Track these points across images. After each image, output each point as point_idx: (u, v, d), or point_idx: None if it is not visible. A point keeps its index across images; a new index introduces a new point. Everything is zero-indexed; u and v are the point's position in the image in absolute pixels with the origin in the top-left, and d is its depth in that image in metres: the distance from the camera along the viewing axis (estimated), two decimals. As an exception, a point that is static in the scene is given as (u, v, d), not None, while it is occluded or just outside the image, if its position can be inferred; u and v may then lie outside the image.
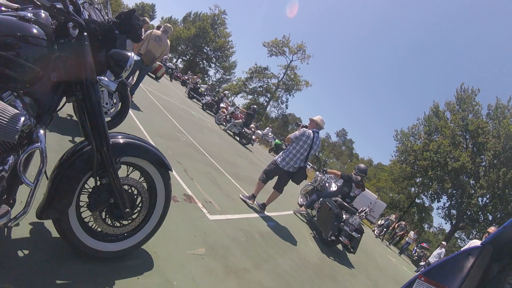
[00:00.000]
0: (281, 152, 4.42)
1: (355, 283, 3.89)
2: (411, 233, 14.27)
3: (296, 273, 2.90)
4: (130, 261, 1.62)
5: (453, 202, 21.46)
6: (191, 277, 1.82)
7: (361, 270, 4.77)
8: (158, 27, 6.83)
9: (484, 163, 20.13)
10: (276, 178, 4.41)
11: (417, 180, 23.14)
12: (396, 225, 14.30)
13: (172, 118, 6.59)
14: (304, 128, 4.35)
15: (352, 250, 4.57)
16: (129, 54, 1.49)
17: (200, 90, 16.95)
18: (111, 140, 1.34)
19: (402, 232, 14.31)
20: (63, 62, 1.20)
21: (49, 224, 1.49)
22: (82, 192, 1.39)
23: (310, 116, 4.52)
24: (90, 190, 1.40)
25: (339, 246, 4.97)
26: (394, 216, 15.35)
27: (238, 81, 41.98)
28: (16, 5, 1.30)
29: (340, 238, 4.50)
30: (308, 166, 5.39)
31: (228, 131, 12.00)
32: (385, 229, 14.05)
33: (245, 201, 4.13)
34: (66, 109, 3.27)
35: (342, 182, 5.52)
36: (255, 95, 41.24)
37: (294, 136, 4.27)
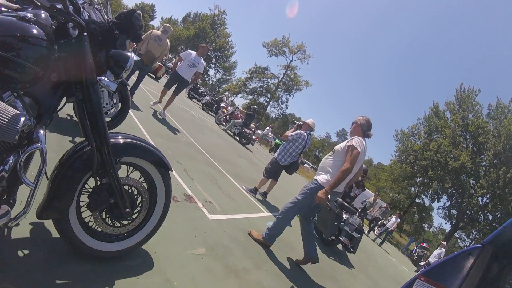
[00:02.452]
0: (278, 149, 5.12)
1: (355, 283, 3.89)
2: (392, 218, 12.74)
3: (296, 273, 2.90)
4: (130, 261, 1.62)
5: (453, 202, 21.48)
6: (191, 277, 1.82)
7: (361, 270, 4.77)
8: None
9: (484, 163, 20.14)
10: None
11: (417, 180, 23.14)
12: (376, 209, 12.53)
13: (172, 118, 6.59)
14: (300, 131, 5.05)
15: (352, 250, 4.58)
16: (129, 54, 1.50)
17: (200, 91, 16.97)
18: (111, 140, 1.34)
19: (383, 218, 12.36)
20: (63, 63, 1.20)
21: (49, 224, 1.49)
22: (82, 192, 1.39)
23: (309, 117, 5.16)
24: (90, 190, 1.40)
25: (339, 246, 4.97)
26: (372, 197, 12.36)
27: (238, 81, 41.99)
28: (16, 6, 1.31)
29: (340, 238, 4.51)
30: (307, 164, 6.46)
31: (228, 131, 12.00)
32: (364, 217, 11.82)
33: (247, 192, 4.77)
34: (66, 109, 3.27)
35: (342, 182, 5.53)
36: (255, 95, 41.26)
37: (291, 137, 4.99)
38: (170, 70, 18.35)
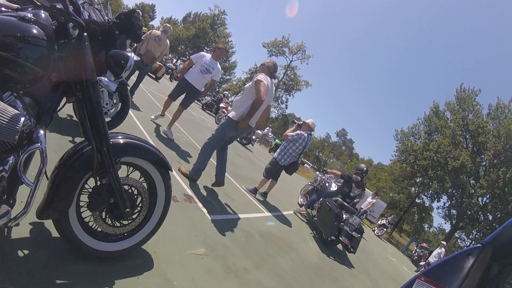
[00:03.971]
0: (278, 150, 5.11)
1: (355, 283, 3.89)
2: (368, 198, 11.14)
3: (296, 273, 2.90)
4: (130, 261, 1.62)
5: (453, 202, 21.45)
6: (191, 277, 1.82)
7: (361, 270, 4.77)
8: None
9: (484, 163, 20.11)
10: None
11: (417, 180, 23.12)
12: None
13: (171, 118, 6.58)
14: (300, 132, 5.05)
15: (352, 250, 4.57)
16: (129, 54, 1.50)
17: None
18: (111, 140, 1.34)
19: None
20: (63, 63, 1.20)
21: (49, 224, 1.49)
22: (82, 192, 1.39)
23: (309, 117, 5.16)
24: (90, 190, 1.40)
25: (339, 246, 4.97)
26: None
27: (238, 81, 41.95)
28: (16, 6, 1.31)
29: (340, 238, 4.50)
30: (306, 164, 6.68)
31: (228, 131, 12.00)
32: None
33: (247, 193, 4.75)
34: (66, 109, 3.27)
35: (342, 182, 5.53)
36: (255, 95, 41.18)
37: (292, 137, 5.00)
38: (170, 70, 18.33)
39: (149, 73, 12.46)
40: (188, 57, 5.20)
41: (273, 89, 3.57)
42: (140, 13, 2.94)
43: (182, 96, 5.03)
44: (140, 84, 6.01)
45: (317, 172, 6.99)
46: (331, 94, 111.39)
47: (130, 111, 3.74)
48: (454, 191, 21.10)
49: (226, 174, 4.96)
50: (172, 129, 4.95)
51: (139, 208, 1.58)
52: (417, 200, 23.95)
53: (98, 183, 1.36)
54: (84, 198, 1.40)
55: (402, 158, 23.73)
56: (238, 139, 11.77)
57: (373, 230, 14.30)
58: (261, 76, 3.31)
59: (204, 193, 3.35)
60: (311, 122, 5.19)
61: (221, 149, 3.62)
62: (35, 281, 1.22)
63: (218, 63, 5.03)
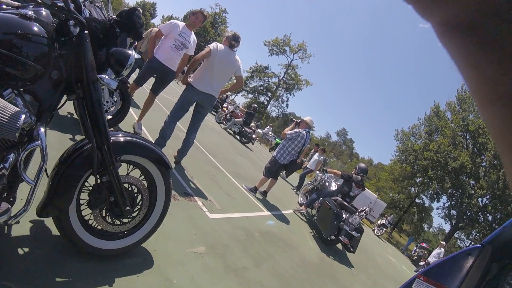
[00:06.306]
0: (277, 148, 5.14)
1: (355, 282, 3.89)
2: (315, 155, 9.60)
3: (295, 272, 2.90)
4: (130, 259, 1.62)
5: (453, 202, 21.45)
6: (191, 275, 1.83)
7: (361, 270, 4.77)
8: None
9: (484, 164, 20.09)
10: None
11: (417, 180, 23.12)
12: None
13: (172, 117, 6.57)
14: (299, 129, 5.06)
15: (351, 249, 4.58)
16: (129, 52, 1.50)
17: None
18: (111, 138, 1.34)
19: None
20: (64, 60, 1.20)
21: (49, 222, 1.49)
22: (82, 190, 1.39)
23: (309, 116, 5.13)
24: (90, 188, 1.40)
25: (339, 246, 4.97)
26: (312, 151, 10.57)
27: (238, 80, 41.84)
28: (17, 3, 1.31)
29: (340, 238, 4.50)
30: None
31: (228, 130, 12.00)
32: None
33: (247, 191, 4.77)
34: (67, 107, 3.27)
35: (342, 181, 5.53)
36: (256, 94, 41.20)
37: (290, 136, 5.03)
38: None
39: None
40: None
41: (231, 57, 3.67)
42: (141, 11, 2.93)
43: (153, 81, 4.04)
44: (141, 83, 5.99)
45: (317, 172, 7.00)
46: (332, 93, 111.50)
47: (130, 109, 3.74)
48: (454, 192, 21.08)
49: (226, 173, 4.99)
50: (142, 125, 3.98)
51: (139, 206, 1.58)
52: (417, 200, 23.95)
53: (99, 181, 1.37)
54: (84, 196, 1.40)
55: (402, 158, 23.72)
56: (238, 137, 11.77)
57: (373, 230, 14.29)
58: (212, 44, 3.58)
59: (204, 192, 3.35)
60: (309, 120, 5.19)
61: (189, 131, 3.79)
62: (35, 279, 1.23)
63: (193, 33, 3.91)
